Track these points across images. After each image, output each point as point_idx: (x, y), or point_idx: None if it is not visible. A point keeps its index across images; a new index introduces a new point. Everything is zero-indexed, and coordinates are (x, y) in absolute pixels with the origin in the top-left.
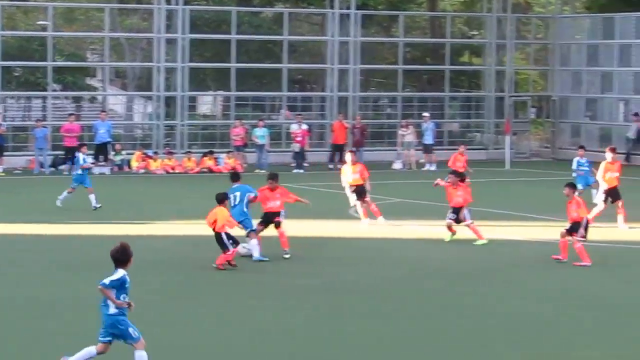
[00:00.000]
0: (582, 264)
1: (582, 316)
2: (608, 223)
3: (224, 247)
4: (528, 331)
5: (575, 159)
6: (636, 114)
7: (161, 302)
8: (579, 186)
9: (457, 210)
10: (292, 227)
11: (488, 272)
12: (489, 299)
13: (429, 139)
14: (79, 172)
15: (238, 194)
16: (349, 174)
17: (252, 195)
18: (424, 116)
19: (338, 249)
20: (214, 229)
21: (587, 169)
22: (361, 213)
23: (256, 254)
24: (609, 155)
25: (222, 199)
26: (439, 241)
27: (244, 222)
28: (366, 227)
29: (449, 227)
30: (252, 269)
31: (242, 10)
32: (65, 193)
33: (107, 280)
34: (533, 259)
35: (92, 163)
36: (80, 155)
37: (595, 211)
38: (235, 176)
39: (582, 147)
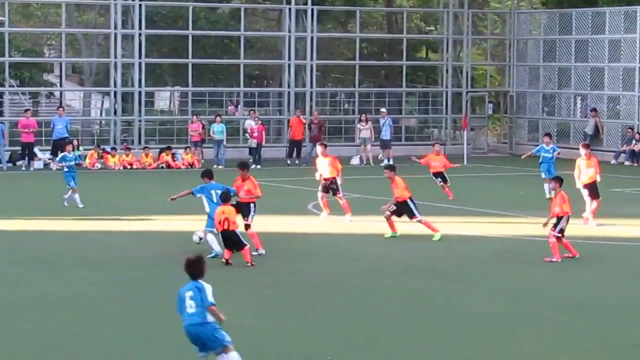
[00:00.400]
0: (553, 259)
1: (545, 315)
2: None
3: (237, 245)
4: (489, 329)
5: (540, 146)
6: (594, 110)
7: (129, 300)
8: (542, 175)
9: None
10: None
11: (446, 269)
12: (446, 296)
13: (386, 135)
14: (65, 170)
15: (219, 191)
16: (324, 166)
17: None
18: (382, 111)
19: (295, 245)
20: (225, 229)
21: (550, 155)
22: (322, 204)
23: (217, 249)
24: (582, 152)
25: (227, 197)
26: (398, 237)
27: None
28: (324, 220)
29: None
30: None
31: (198, 6)
32: (70, 194)
33: (212, 299)
34: (492, 255)
35: (50, 159)
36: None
37: (589, 209)
38: (209, 174)
39: (548, 134)
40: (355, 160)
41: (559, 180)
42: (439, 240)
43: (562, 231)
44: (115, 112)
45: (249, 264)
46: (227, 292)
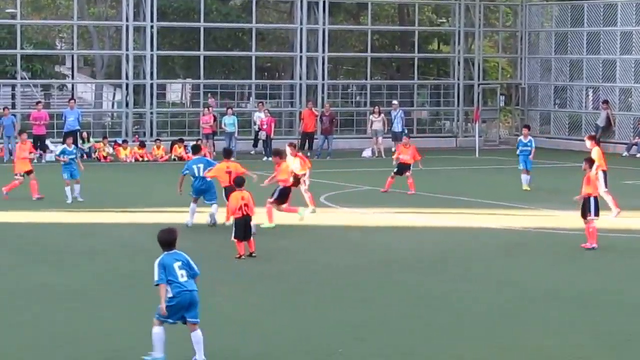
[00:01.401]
0: (590, 246)
1: (555, 308)
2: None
3: (248, 235)
4: (490, 322)
5: (519, 138)
6: (605, 102)
7: (137, 293)
8: (519, 166)
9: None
10: (259, 216)
11: (455, 261)
12: (451, 288)
13: (398, 127)
14: (63, 163)
15: (201, 165)
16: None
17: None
18: (393, 104)
19: (304, 237)
20: (244, 214)
21: (528, 149)
22: (308, 200)
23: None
24: (588, 143)
25: (242, 182)
26: (407, 229)
27: (209, 193)
28: (307, 215)
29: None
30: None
31: None
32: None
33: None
34: (502, 248)
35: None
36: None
37: (610, 201)
38: (194, 148)
39: (527, 126)
40: (366, 153)
41: (589, 161)
42: (268, 228)
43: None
44: (127, 105)
45: (253, 254)
46: (232, 283)
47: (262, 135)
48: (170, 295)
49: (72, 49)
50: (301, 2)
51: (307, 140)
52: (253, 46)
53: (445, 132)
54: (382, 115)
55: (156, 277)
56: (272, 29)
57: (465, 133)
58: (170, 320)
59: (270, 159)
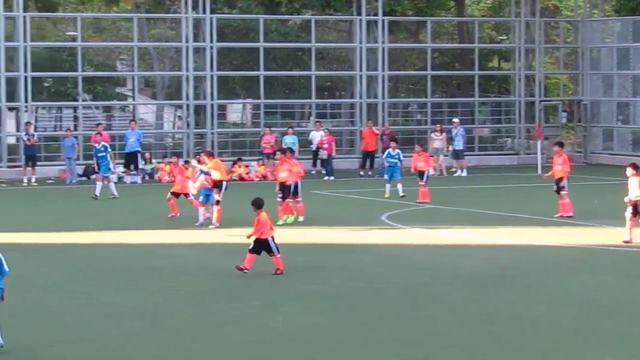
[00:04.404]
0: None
1: (617, 325)
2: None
3: (271, 251)
4: (557, 338)
5: (387, 151)
6: None
7: (185, 308)
8: (385, 176)
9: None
10: (320, 235)
11: (517, 278)
12: (515, 304)
13: (459, 145)
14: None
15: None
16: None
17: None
18: (454, 122)
19: (364, 256)
20: (261, 236)
21: (396, 160)
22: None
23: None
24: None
25: (262, 203)
26: (468, 247)
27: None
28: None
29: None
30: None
31: (269, 18)
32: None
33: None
34: (564, 264)
35: (124, 172)
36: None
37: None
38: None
39: (394, 140)
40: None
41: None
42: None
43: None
44: (187, 125)
45: (278, 272)
46: (289, 302)
47: (323, 154)
48: None
49: (133, 70)
50: (360, 20)
51: (368, 159)
52: (313, 65)
53: (506, 150)
54: (444, 134)
55: None
56: (331, 48)
57: (527, 150)
58: None
59: (331, 178)
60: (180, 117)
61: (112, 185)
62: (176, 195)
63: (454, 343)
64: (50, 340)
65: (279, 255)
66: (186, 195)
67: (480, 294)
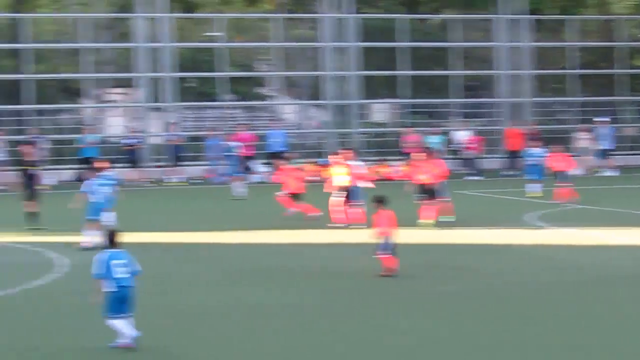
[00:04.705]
0: None
1: None
2: None
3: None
4: None
5: (531, 150)
6: None
7: (320, 311)
8: (529, 176)
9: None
10: (465, 235)
11: None
12: None
13: (606, 144)
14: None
15: None
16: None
17: None
18: (601, 121)
19: (506, 256)
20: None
21: (539, 160)
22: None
23: None
24: None
25: (384, 200)
26: (619, 248)
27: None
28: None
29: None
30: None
31: (411, 18)
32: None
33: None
34: None
35: (265, 172)
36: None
37: None
38: None
39: (538, 139)
40: (575, 171)
41: None
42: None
43: None
44: (327, 125)
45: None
46: (422, 302)
47: (468, 154)
48: None
49: (275, 70)
50: (502, 19)
51: (512, 159)
52: (455, 65)
53: None
54: (591, 133)
55: None
56: (473, 47)
57: None
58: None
59: (478, 178)
60: (317, 118)
61: (238, 185)
62: (295, 196)
63: (609, 348)
64: (207, 341)
65: (388, 255)
66: (295, 194)
67: (631, 294)
